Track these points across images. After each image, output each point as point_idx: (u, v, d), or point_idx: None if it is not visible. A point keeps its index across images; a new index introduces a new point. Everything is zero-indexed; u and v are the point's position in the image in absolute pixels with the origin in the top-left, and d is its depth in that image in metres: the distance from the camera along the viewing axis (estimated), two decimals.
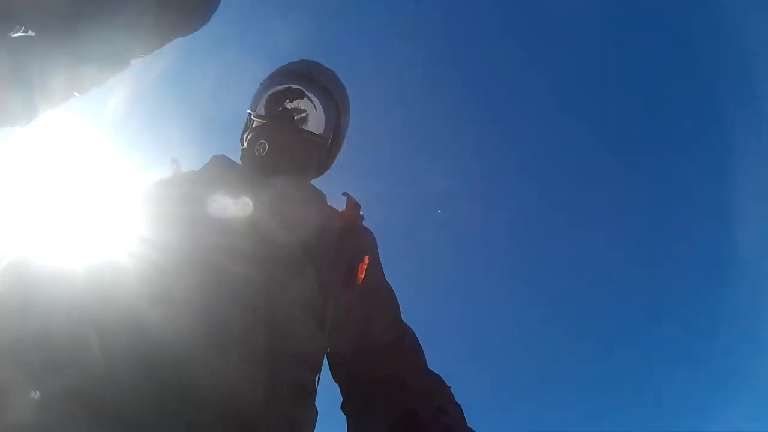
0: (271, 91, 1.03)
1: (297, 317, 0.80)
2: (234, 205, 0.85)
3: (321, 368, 0.89)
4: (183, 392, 0.66)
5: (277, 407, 0.73)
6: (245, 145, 1.04)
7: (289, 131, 1.00)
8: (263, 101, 1.03)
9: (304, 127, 1.01)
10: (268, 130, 0.99)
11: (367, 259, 0.95)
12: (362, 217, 1.04)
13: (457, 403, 0.85)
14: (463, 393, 0.87)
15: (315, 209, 1.01)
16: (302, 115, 1.01)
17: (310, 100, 1.02)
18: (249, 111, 1.08)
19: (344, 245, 0.96)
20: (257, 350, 0.73)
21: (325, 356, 0.91)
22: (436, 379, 0.90)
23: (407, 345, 0.94)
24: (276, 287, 0.79)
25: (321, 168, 1.17)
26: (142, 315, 0.69)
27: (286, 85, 1.02)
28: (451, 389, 0.88)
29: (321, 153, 1.09)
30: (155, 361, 0.65)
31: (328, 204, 1.08)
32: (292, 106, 1.01)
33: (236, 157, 1.07)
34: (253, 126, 1.03)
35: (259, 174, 0.96)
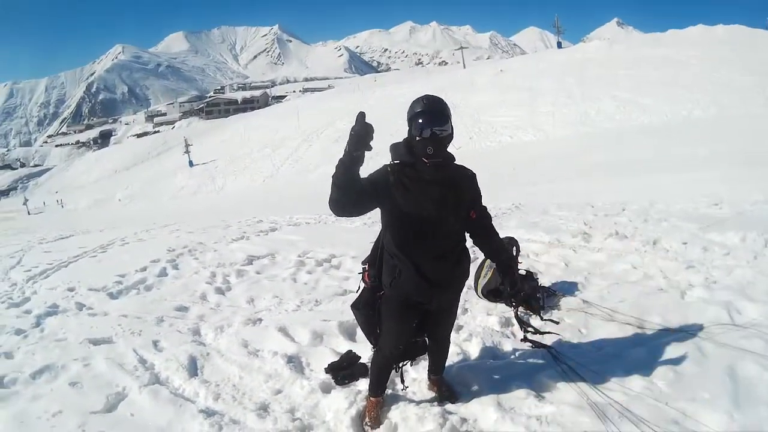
0: (434, 129, 1.91)
1: (453, 222, 2.07)
2: (430, 181, 1.99)
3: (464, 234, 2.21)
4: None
5: (456, 249, 2.13)
6: (418, 145, 1.94)
7: (441, 141, 1.95)
8: (427, 132, 1.91)
9: (445, 135, 1.95)
10: (432, 141, 1.92)
11: (473, 213, 2.18)
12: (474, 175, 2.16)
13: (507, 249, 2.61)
14: None
15: (458, 178, 2.09)
16: (446, 132, 1.94)
17: (448, 122, 1.96)
18: (415, 134, 1.94)
19: (468, 194, 2.12)
20: (444, 233, 2.05)
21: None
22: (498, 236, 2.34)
23: (487, 221, 2.27)
24: (446, 215, 2.02)
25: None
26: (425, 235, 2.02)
27: (439, 128, 1.92)
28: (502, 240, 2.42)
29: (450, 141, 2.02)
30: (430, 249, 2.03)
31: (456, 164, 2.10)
32: (440, 128, 1.92)
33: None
34: (420, 138, 1.92)
35: (431, 161, 1.97)
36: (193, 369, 3.07)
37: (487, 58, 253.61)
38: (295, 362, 3.05)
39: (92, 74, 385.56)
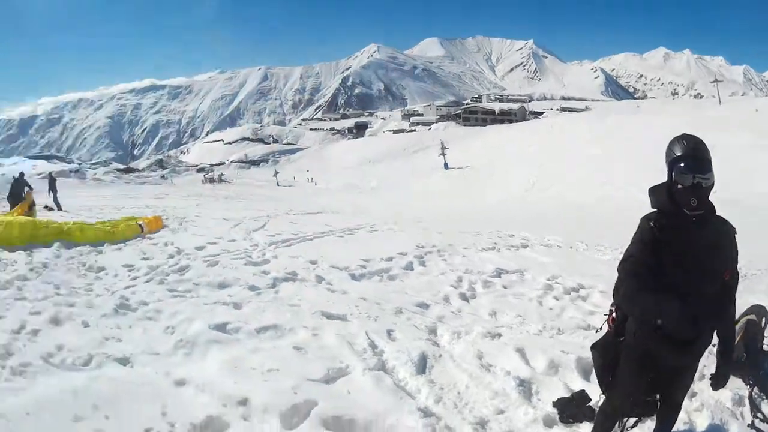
0: (697, 177, 1.76)
1: (711, 281, 1.87)
2: (693, 236, 1.83)
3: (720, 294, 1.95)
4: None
5: (710, 309, 1.87)
6: (679, 194, 1.81)
7: (705, 192, 1.80)
8: (689, 181, 1.77)
9: (709, 185, 1.80)
10: (696, 191, 1.78)
11: (727, 273, 1.93)
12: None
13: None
14: None
15: (721, 233, 1.90)
16: (710, 182, 1.79)
17: (711, 169, 1.80)
18: (677, 181, 1.81)
19: (729, 251, 1.92)
20: (700, 291, 1.82)
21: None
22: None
23: (734, 282, 1.99)
24: (706, 272, 1.83)
25: None
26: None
27: (703, 176, 1.77)
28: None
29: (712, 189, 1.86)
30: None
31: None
32: (704, 177, 1.77)
33: None
34: (682, 187, 1.80)
35: (694, 213, 1.82)
36: (421, 366, 3.03)
37: (742, 95, 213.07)
38: (525, 387, 2.92)
39: (347, 69, 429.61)
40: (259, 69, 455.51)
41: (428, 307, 4.21)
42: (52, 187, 14.86)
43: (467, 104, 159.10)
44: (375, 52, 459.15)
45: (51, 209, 12.82)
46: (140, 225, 7.37)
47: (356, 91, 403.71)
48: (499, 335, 3.66)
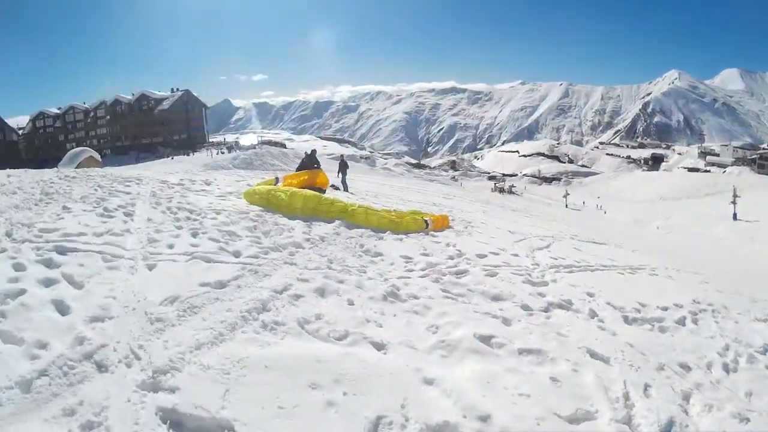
0: None
1: None
2: None
3: None
4: None
5: None
6: None
7: None
8: None
9: None
10: None
11: None
12: None
13: None
14: None
15: None
16: None
17: None
18: None
19: None
20: None
21: None
22: None
23: None
24: None
25: None
26: None
27: None
28: None
29: None
30: None
31: None
32: None
33: None
34: None
35: None
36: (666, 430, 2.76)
37: None
38: None
39: (648, 94, 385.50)
40: (561, 84, 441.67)
41: (690, 370, 3.69)
42: (342, 169, 15.41)
43: (764, 149, 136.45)
44: (676, 79, 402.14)
45: (337, 189, 13.40)
46: (426, 221, 7.40)
47: (655, 119, 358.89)
48: (748, 419, 3.15)
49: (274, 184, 9.24)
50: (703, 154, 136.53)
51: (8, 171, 11.33)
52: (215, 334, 2.82)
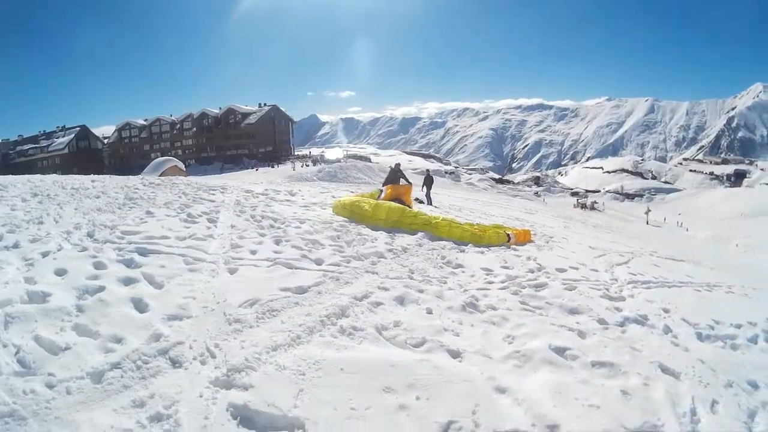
0: None
1: None
2: None
3: None
4: None
5: None
6: None
7: None
8: None
9: None
10: None
11: None
12: None
13: None
14: None
15: None
16: None
17: None
18: None
19: None
20: None
21: None
22: None
23: None
24: None
25: None
26: None
27: None
28: None
29: None
30: None
31: None
32: None
33: None
34: None
35: None
36: None
37: None
38: None
39: (733, 109, 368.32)
40: (646, 100, 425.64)
41: (758, 388, 3.56)
42: (427, 183, 16.03)
43: None
44: (761, 92, 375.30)
45: (421, 202, 13.89)
46: (508, 234, 7.41)
47: (739, 134, 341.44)
48: None
49: (378, 197, 9.32)
50: None
51: (92, 176, 11.67)
52: (293, 337, 2.92)
